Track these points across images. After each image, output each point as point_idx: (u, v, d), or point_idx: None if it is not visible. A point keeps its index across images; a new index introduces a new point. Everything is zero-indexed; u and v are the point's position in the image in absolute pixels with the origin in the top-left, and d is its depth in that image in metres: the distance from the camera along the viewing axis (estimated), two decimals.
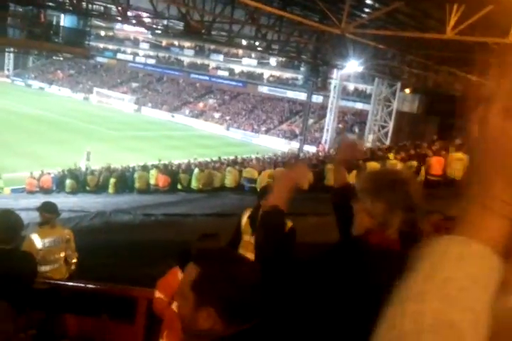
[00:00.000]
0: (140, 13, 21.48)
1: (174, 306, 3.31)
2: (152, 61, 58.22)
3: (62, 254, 6.09)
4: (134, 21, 20.72)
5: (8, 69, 60.95)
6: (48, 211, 6.05)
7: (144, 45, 59.76)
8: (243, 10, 18.61)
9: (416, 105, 31.17)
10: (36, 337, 3.83)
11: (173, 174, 19.40)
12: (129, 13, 18.84)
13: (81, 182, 20.38)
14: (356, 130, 40.68)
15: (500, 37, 12.46)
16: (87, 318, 4.77)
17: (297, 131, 41.48)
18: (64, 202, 14.11)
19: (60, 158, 25.49)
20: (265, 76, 50.99)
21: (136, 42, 60.63)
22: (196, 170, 18.80)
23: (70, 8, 17.81)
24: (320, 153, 27.35)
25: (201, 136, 41.35)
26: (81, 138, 32.09)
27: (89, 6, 18.12)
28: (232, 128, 45.90)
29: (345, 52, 22.46)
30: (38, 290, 4.14)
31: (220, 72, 53.61)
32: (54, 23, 20.46)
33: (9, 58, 59.94)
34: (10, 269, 3.47)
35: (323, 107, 40.72)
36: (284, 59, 43.74)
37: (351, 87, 43.48)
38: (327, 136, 34.34)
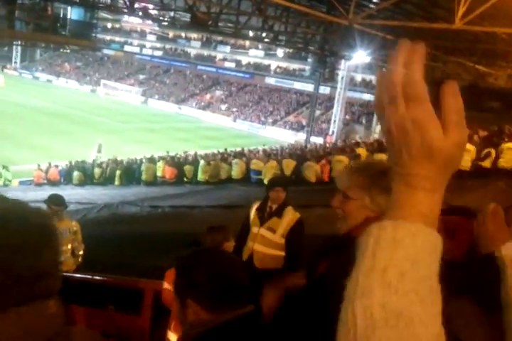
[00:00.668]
0: (147, 5, 21.41)
1: None
2: (159, 53, 58.18)
3: (69, 246, 6.12)
4: (140, 13, 20.65)
5: (15, 62, 61.08)
6: (55, 203, 6.07)
7: (151, 37, 59.68)
8: (250, 1, 18.51)
9: None
10: None
11: (180, 166, 19.42)
12: (136, 5, 18.80)
13: (88, 174, 20.47)
14: (363, 121, 40.53)
15: (509, 27, 12.33)
16: (93, 310, 4.79)
17: (304, 123, 41.36)
18: (71, 194, 14.19)
19: (67, 151, 25.59)
20: (272, 67, 50.81)
21: (143, 34, 60.57)
22: (202, 162, 18.81)
23: (77, 1, 17.82)
24: (327, 145, 27.26)
25: (208, 128, 41.35)
26: (88, 131, 32.19)
27: None
28: (239, 119, 45.85)
29: (353, 43, 22.29)
30: None
31: (226, 64, 53.48)
32: (61, 15, 20.41)
33: (17, 51, 60.05)
34: None
35: (330, 98, 40.56)
36: (291, 50, 43.55)
37: (359, 77, 43.24)
38: (334, 127, 34.21)
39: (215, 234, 3.67)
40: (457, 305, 1.32)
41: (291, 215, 4.78)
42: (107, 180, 19.98)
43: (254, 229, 4.86)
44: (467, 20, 12.45)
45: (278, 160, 16.63)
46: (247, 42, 50.27)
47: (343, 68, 32.98)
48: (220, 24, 21.25)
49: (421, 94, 0.62)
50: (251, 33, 27.43)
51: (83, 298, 4.74)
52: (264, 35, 24.29)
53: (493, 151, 12.73)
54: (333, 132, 34.07)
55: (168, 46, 58.35)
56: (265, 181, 15.44)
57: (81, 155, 23.55)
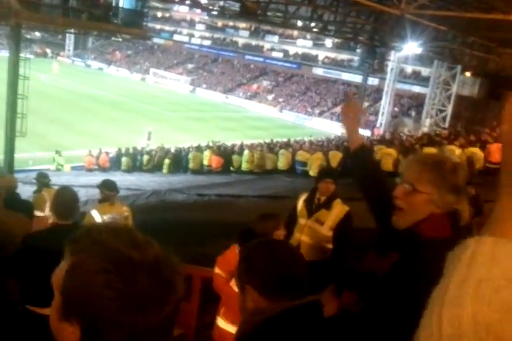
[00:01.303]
0: None
1: (232, 284, 3.39)
2: (208, 42, 58.50)
3: None
4: (190, 2, 20.82)
5: (68, 50, 62.78)
6: (108, 188, 6.24)
7: (200, 27, 60.04)
8: None
9: (476, 89, 29.97)
10: None
11: (226, 155, 19.60)
12: None
13: (137, 161, 20.93)
14: (413, 114, 39.69)
15: None
16: None
17: None
18: (121, 180, 14.54)
19: (117, 137, 26.21)
20: (320, 57, 50.27)
21: (192, 24, 61.00)
22: (247, 152, 18.91)
23: None
24: (375, 137, 26.89)
25: (254, 118, 41.42)
26: (137, 118, 32.84)
27: None
28: (286, 110, 45.70)
29: (404, 34, 21.79)
30: None
31: (274, 54, 53.28)
32: (113, 4, 20.76)
33: (70, 39, 61.65)
34: None
35: (378, 90, 39.88)
36: (339, 40, 42.97)
37: (409, 69, 42.29)
38: (382, 119, 33.68)
39: (266, 221, 3.68)
40: None
41: (340, 208, 4.76)
42: (154, 168, 20.38)
43: (302, 221, 4.85)
44: None
45: (324, 152, 16.55)
46: (295, 32, 49.85)
47: (393, 59, 32.37)
48: (268, 13, 21.17)
49: None
50: (299, 23, 27.23)
51: None
52: (312, 24, 24.05)
53: None
54: (380, 124, 33.55)
55: (216, 35, 58.59)
56: (311, 173, 15.42)
57: (130, 142, 24.09)
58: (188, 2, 20.79)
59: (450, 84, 30.72)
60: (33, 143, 20.32)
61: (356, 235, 4.85)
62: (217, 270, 3.90)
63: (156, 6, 52.16)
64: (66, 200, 3.67)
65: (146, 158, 20.75)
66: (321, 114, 44.07)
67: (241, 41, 56.52)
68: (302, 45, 51.39)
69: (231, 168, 19.33)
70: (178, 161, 20.23)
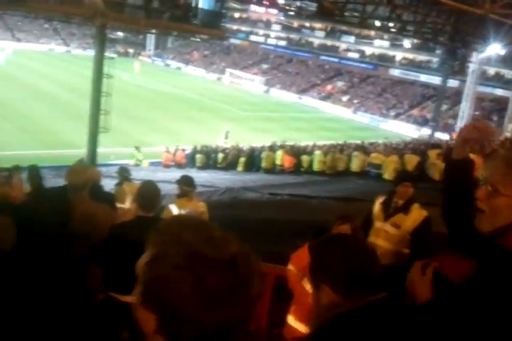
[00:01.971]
0: None
1: (305, 282, 3.42)
2: (283, 43, 58.69)
3: None
4: (267, 3, 20.98)
5: (149, 50, 65.04)
6: (187, 184, 6.44)
7: (276, 27, 60.33)
8: None
9: None
10: None
11: (298, 155, 19.63)
12: None
13: (211, 158, 21.38)
14: (494, 118, 37.94)
15: None
16: None
17: (428, 117, 39.63)
18: (196, 176, 14.86)
19: (193, 135, 26.89)
20: (397, 58, 49.18)
21: (268, 24, 61.41)
22: (318, 153, 18.83)
23: None
24: (453, 141, 25.98)
25: (327, 119, 41.11)
26: (213, 117, 33.52)
27: None
28: (360, 111, 45.02)
29: (487, 34, 20.94)
30: None
31: (350, 54, 52.65)
32: (193, 5, 21.26)
33: (151, 39, 63.86)
34: None
35: (458, 92, 38.42)
36: (418, 41, 41.83)
37: (491, 71, 40.45)
38: (461, 123, 32.44)
39: (343, 223, 3.69)
40: None
41: (418, 212, 4.68)
42: (228, 166, 20.74)
43: (378, 224, 4.81)
44: None
45: (400, 155, 16.18)
46: (372, 33, 49.00)
47: (475, 61, 31.08)
48: (346, 14, 20.99)
49: None
50: (377, 23, 26.78)
51: None
52: (391, 25, 23.64)
53: None
54: (459, 128, 32.34)
55: (292, 36, 58.67)
56: (385, 176, 15.14)
57: (206, 140, 24.67)
58: (265, 2, 20.96)
59: None
60: (114, 139, 21.24)
61: (433, 240, 4.75)
62: (290, 266, 3.95)
63: (233, 7, 52.99)
64: (150, 193, 3.82)
65: (220, 156, 21.17)
66: (396, 116, 43.07)
67: (316, 41, 56.28)
68: (379, 46, 50.47)
69: (302, 169, 19.33)
70: (252, 160, 20.48)
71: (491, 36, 20.91)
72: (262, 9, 54.73)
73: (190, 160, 21.59)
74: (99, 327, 3.67)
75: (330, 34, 55.00)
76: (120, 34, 59.08)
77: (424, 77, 45.67)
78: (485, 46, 23.47)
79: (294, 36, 58.56)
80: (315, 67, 55.54)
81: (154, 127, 28.32)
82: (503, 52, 23.44)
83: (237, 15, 63.44)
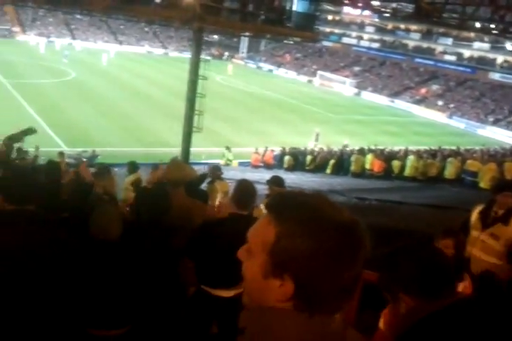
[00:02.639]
0: None
1: None
2: (376, 45, 57.67)
3: None
4: (362, 5, 20.70)
5: (242, 52, 66.31)
6: (277, 184, 6.56)
7: (369, 29, 59.36)
8: None
9: None
10: None
11: (388, 160, 19.19)
12: None
13: (299, 160, 21.41)
14: None
15: None
16: None
17: None
18: (284, 178, 14.99)
19: (282, 137, 27.09)
20: (498, 61, 46.69)
21: (361, 26, 60.53)
22: (412, 157, 18.29)
23: None
24: None
25: (420, 123, 39.86)
26: (302, 119, 33.56)
27: None
28: (456, 116, 43.21)
29: None
30: None
31: (446, 57, 50.75)
32: (287, 7, 21.37)
33: (244, 42, 65.08)
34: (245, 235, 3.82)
35: None
36: None
37: None
38: None
39: (445, 237, 3.59)
40: None
41: None
42: (316, 168, 20.68)
43: (475, 233, 4.62)
44: None
45: (498, 163, 15.37)
46: (472, 34, 46.85)
47: None
48: (444, 15, 20.19)
49: None
50: (478, 25, 25.62)
51: None
52: (492, 26, 22.46)
53: None
54: None
55: (385, 38, 57.44)
56: (481, 184, 14.45)
57: (295, 142, 24.76)
58: (360, 4, 20.67)
59: None
60: (206, 139, 21.88)
61: None
62: None
63: (327, 9, 52.71)
64: (248, 192, 3.91)
65: (309, 158, 21.16)
66: (495, 122, 40.91)
67: (411, 44, 54.74)
68: (478, 48, 48.21)
69: (392, 174, 18.89)
70: (341, 163, 20.29)
71: None
72: (355, 11, 54.04)
73: (279, 162, 21.76)
74: (189, 320, 3.82)
75: (426, 36, 53.26)
76: (215, 37, 60.73)
77: None
78: None
79: (387, 38, 57.31)
80: (409, 69, 54.05)
81: (244, 128, 28.83)
82: None
83: (330, 17, 63.07)
